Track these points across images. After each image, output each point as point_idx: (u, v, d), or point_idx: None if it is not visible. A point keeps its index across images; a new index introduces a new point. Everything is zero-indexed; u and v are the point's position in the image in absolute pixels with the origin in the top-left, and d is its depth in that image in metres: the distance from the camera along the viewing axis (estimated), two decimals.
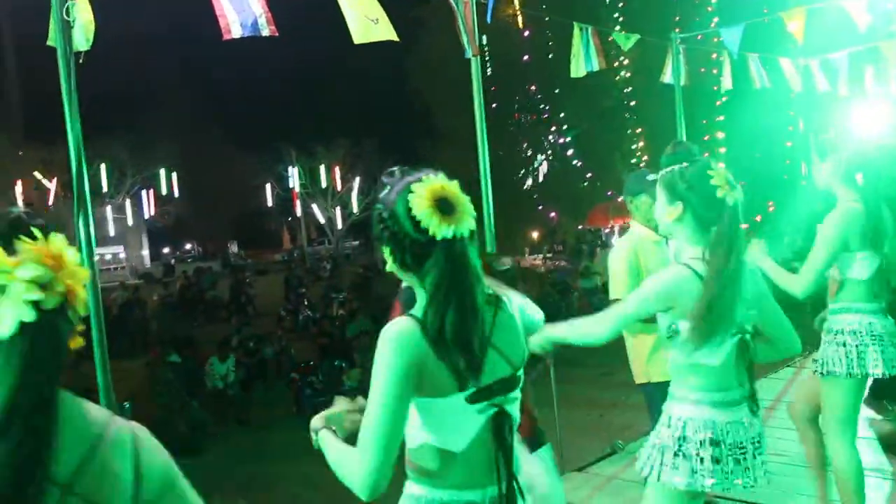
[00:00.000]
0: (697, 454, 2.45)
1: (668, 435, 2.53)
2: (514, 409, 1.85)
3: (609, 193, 25.61)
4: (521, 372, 1.88)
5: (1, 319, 1.11)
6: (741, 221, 2.50)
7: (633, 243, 4.08)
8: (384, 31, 4.21)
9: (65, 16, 3.04)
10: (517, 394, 1.87)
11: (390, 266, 1.81)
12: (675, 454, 2.49)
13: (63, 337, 1.18)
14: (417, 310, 1.76)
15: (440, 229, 1.68)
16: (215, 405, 10.78)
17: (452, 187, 1.75)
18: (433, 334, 1.70)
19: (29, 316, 1.11)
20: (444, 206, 1.70)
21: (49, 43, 3.08)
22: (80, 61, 3.13)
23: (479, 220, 4.96)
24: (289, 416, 10.64)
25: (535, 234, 32.74)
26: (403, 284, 2.24)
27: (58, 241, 1.18)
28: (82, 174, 3.10)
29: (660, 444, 2.55)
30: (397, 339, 1.70)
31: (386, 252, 1.79)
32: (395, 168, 1.83)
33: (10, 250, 1.15)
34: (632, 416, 7.24)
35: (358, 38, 4.13)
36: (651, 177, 4.22)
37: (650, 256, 4.02)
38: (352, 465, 1.73)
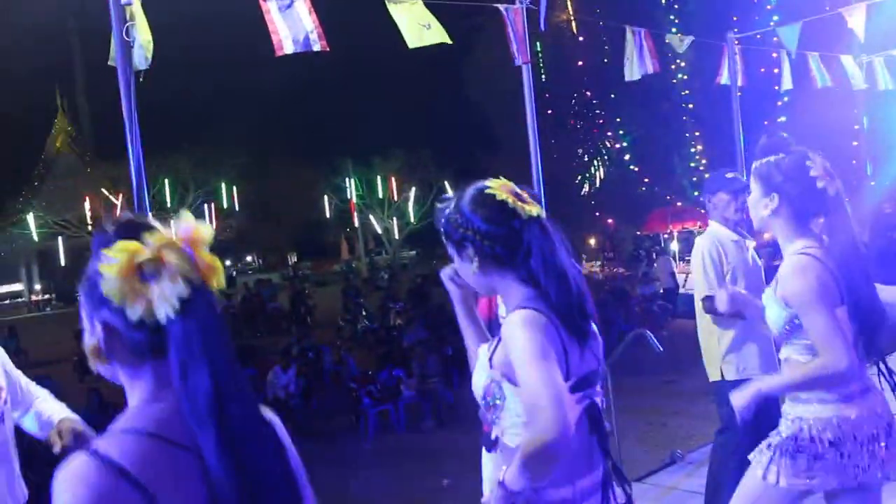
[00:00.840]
0: (824, 454, 2.32)
1: (790, 436, 2.40)
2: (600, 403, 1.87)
3: (668, 198, 25.27)
4: (603, 365, 1.91)
5: (164, 298, 1.16)
6: (848, 213, 2.42)
7: (713, 240, 4.07)
8: (437, 34, 4.28)
9: (125, 36, 3.14)
10: (599, 388, 1.88)
11: (473, 269, 1.83)
12: (795, 455, 2.36)
13: (218, 310, 1.25)
14: (526, 301, 1.77)
15: (526, 210, 1.78)
16: (277, 414, 10.91)
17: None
18: (559, 317, 1.74)
19: (185, 292, 1.16)
20: (518, 195, 1.81)
21: (110, 62, 3.19)
22: (141, 79, 3.23)
23: None
24: (348, 426, 10.71)
25: (592, 241, 32.44)
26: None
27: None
28: (143, 189, 3.18)
29: (779, 445, 2.43)
30: (534, 321, 1.71)
31: (471, 254, 1.82)
32: (446, 195, 1.96)
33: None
34: (693, 425, 7.09)
35: (412, 42, 4.21)
36: (730, 174, 4.19)
37: (730, 254, 4.00)
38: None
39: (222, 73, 50.88)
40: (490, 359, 1.82)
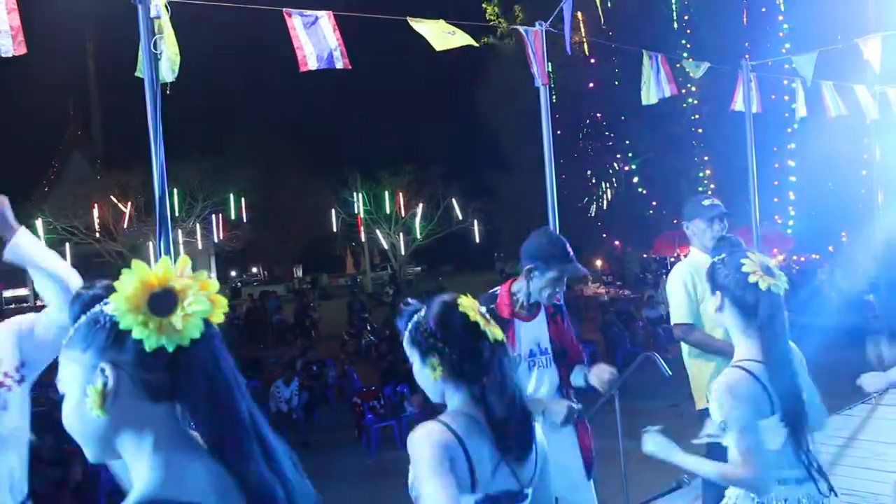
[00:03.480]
0: None
1: None
2: None
3: (675, 222, 25.25)
4: (528, 490, 1.97)
5: (184, 324, 1.15)
6: (782, 308, 2.50)
7: (688, 268, 4.10)
8: (462, 38, 4.36)
9: (153, 49, 3.17)
10: None
11: (435, 376, 1.95)
12: None
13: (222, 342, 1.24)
14: (456, 411, 1.93)
15: (492, 333, 1.92)
16: (279, 427, 10.88)
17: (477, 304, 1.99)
18: (496, 432, 1.86)
19: (203, 315, 1.17)
20: (485, 316, 1.96)
21: (137, 74, 3.22)
22: (168, 92, 3.26)
23: None
24: (350, 441, 10.69)
25: (598, 262, 32.40)
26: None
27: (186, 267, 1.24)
28: (165, 199, 3.20)
29: None
30: (438, 438, 1.84)
31: (435, 363, 1.93)
32: (412, 299, 2.09)
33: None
34: (699, 450, 7.05)
35: (439, 46, 4.27)
36: (706, 201, 4.21)
37: (706, 282, 4.01)
38: None
39: (237, 86, 51.30)
40: None
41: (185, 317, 1.15)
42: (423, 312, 2.00)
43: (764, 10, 21.01)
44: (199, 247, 38.88)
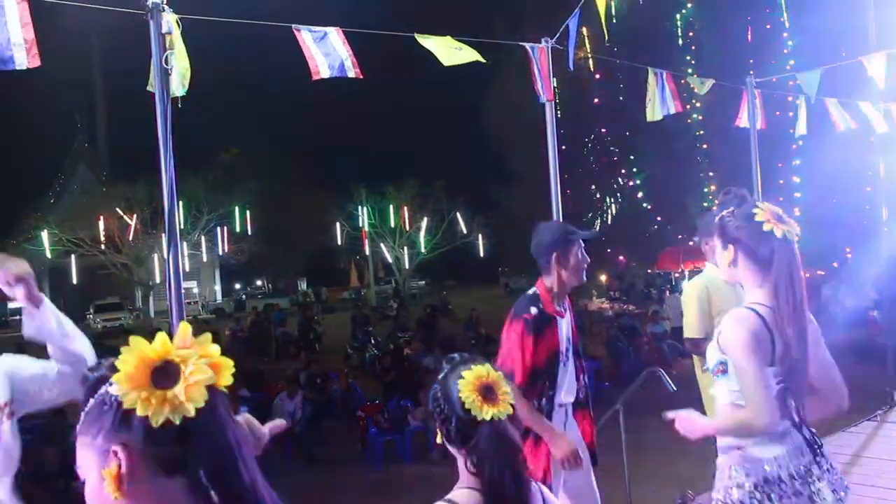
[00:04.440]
0: (755, 499, 2.43)
1: (726, 487, 2.52)
2: None
3: (680, 237, 25.26)
4: None
5: (187, 396, 1.15)
6: (796, 255, 2.46)
7: (703, 283, 4.12)
8: (469, 54, 4.40)
9: (164, 64, 3.21)
10: None
11: (439, 440, 2.05)
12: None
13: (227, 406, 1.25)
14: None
15: (481, 412, 1.93)
16: (282, 440, 10.88)
17: (496, 374, 2.00)
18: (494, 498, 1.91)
19: (206, 385, 1.17)
20: (487, 393, 1.96)
21: (148, 88, 3.26)
22: (179, 105, 3.30)
23: None
24: (353, 454, 10.67)
25: (602, 278, 32.39)
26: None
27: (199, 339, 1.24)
28: (174, 213, 3.22)
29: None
30: None
31: (441, 428, 2.03)
32: (455, 355, 2.12)
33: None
34: (703, 466, 7.03)
35: (446, 61, 4.31)
36: None
37: (722, 296, 4.03)
38: None
39: (242, 98, 51.47)
40: None
41: (188, 387, 1.15)
42: (440, 376, 2.07)
43: (768, 26, 21.09)
44: (205, 259, 38.98)
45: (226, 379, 1.21)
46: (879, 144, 15.48)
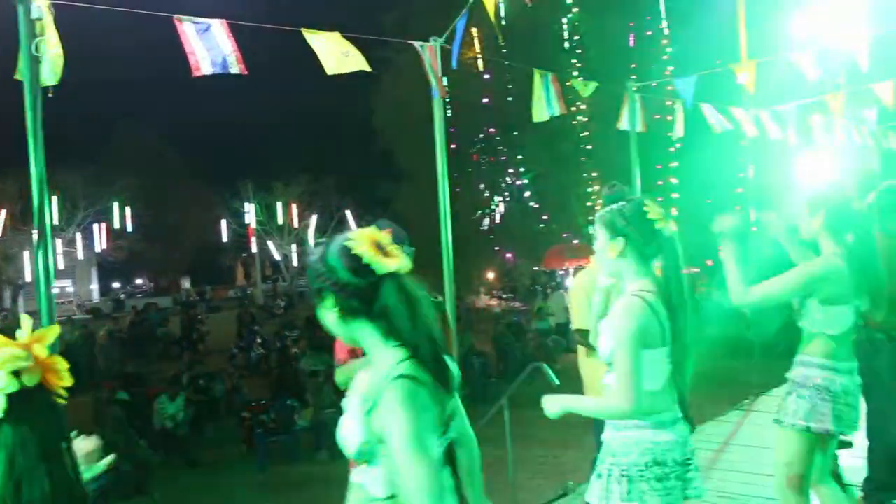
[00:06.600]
0: (643, 477, 2.55)
1: (614, 462, 2.63)
2: None
3: (564, 235, 25.88)
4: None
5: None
6: (679, 252, 2.66)
7: (590, 276, 4.24)
8: (356, 62, 4.30)
9: (34, 51, 3.04)
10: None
11: (333, 318, 1.87)
12: (629, 479, 2.57)
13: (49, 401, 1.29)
14: (399, 367, 1.75)
15: (382, 265, 1.79)
16: (164, 445, 10.52)
17: (384, 236, 1.85)
18: (432, 374, 1.76)
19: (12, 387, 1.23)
20: (381, 248, 1.82)
21: (17, 77, 3.08)
22: (50, 95, 3.13)
23: (438, 259, 5.01)
24: (239, 456, 10.44)
25: (490, 275, 32.83)
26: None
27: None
28: (44, 209, 3.06)
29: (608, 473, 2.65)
30: (414, 398, 1.70)
31: (330, 304, 1.86)
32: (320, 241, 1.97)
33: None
34: (586, 457, 7.25)
35: (331, 69, 4.21)
36: None
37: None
38: None
39: (124, 92, 49.40)
40: (367, 413, 1.79)
41: None
42: (317, 255, 1.92)
43: (649, 33, 21.86)
44: (81, 257, 37.18)
45: (60, 381, 1.28)
46: (750, 149, 16.35)
